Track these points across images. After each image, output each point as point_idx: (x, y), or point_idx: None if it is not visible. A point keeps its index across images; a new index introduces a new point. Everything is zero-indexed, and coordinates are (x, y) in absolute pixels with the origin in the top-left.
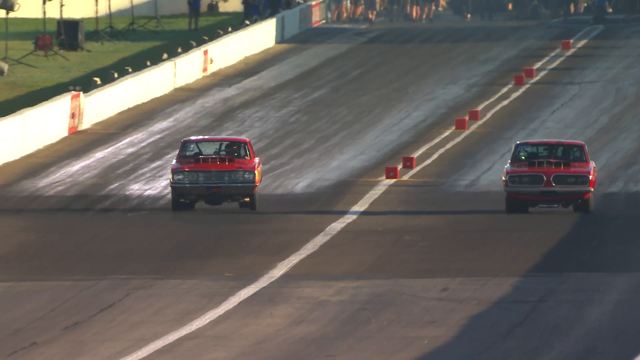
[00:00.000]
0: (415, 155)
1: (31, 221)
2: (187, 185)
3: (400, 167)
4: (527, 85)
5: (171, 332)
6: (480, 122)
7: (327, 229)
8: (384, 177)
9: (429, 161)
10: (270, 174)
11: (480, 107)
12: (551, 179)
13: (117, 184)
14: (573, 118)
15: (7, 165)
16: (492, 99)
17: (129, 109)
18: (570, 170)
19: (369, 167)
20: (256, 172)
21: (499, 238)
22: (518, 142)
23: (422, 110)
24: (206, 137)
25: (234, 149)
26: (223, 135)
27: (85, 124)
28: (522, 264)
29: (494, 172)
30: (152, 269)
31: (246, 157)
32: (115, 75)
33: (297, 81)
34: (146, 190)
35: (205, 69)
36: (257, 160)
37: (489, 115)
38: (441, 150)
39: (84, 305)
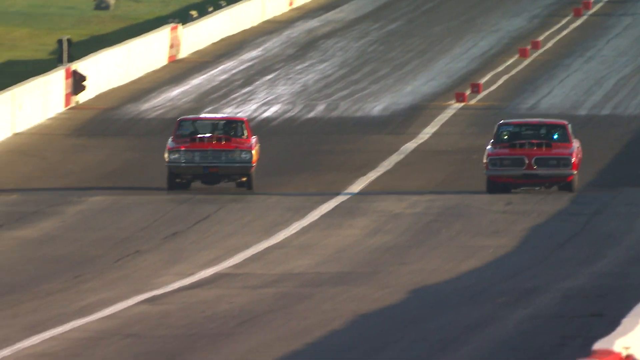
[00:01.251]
0: (482, 81)
1: (135, 141)
2: (183, 164)
3: (468, 92)
4: (585, 17)
5: (260, 242)
6: (541, 50)
7: (401, 148)
8: (454, 101)
9: (494, 87)
10: (350, 98)
11: (541, 37)
12: (533, 161)
13: (211, 107)
14: (626, 46)
15: (114, 90)
16: (552, 30)
17: (222, 40)
18: (552, 152)
19: (440, 92)
20: (253, 151)
21: None
22: (500, 122)
23: (488, 40)
24: (203, 116)
25: (231, 128)
26: (220, 115)
27: (183, 53)
28: (579, 180)
29: (553, 96)
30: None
31: (243, 136)
32: (210, 9)
33: (375, 14)
34: (237, 113)
35: (291, 3)
36: (254, 139)
37: (549, 44)
38: (505, 77)
39: (182, 217)
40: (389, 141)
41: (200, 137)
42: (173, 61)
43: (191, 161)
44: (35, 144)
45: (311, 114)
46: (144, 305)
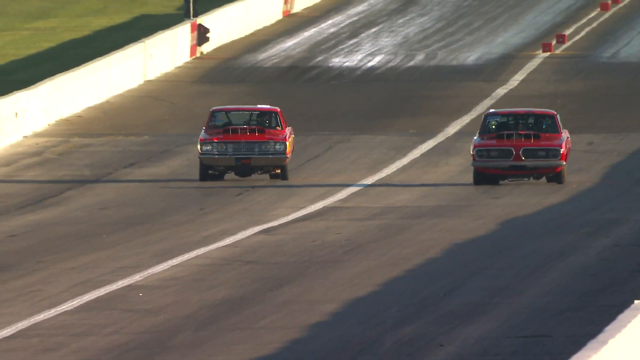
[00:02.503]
0: (567, 32)
1: (252, 88)
2: (216, 156)
3: (553, 42)
4: None
5: (365, 178)
6: (621, 4)
7: (492, 94)
8: (540, 51)
9: (577, 37)
10: (446, 48)
11: None
12: (520, 152)
13: (321, 57)
14: None
15: (233, 42)
16: None
17: None
18: (541, 144)
19: (528, 43)
20: (287, 142)
21: (637, 100)
22: (488, 112)
23: None
24: (236, 106)
25: (265, 119)
26: (254, 106)
27: (296, 8)
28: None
29: (631, 46)
30: (350, 127)
31: (277, 127)
32: None
33: None
34: (345, 62)
35: None
36: (288, 130)
37: None
38: (588, 28)
39: (294, 155)
40: (482, 87)
41: (232, 128)
42: (287, 15)
43: (224, 153)
44: (164, 90)
45: (411, 63)
46: (261, 235)
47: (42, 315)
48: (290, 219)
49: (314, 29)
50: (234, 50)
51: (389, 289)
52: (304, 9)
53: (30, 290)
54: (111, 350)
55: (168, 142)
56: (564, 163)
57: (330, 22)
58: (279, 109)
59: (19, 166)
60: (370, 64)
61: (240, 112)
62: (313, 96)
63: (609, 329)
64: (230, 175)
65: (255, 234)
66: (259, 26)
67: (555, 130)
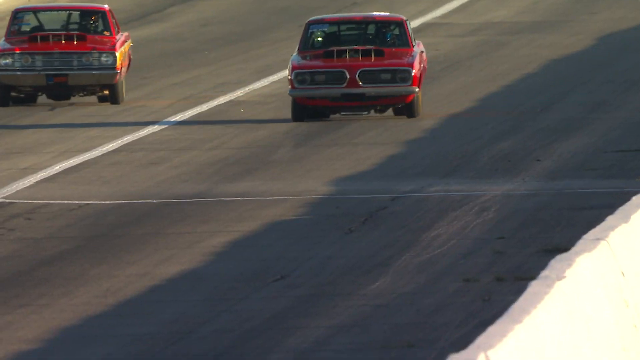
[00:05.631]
0: None
1: None
2: (19, 72)
3: None
4: None
5: None
6: None
7: None
8: None
9: None
10: None
11: None
12: (357, 75)
13: None
14: None
15: None
16: None
17: None
18: (385, 63)
19: None
20: (117, 53)
21: None
22: (310, 20)
23: None
24: (47, 4)
25: (89, 22)
26: (74, 4)
27: None
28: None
29: None
30: None
31: (105, 32)
32: None
33: None
34: None
35: None
36: (121, 36)
37: None
38: None
39: None
40: None
41: (42, 35)
42: None
43: (30, 68)
44: None
45: None
46: None
47: (146, 130)
48: None
49: None
50: None
51: (486, 105)
52: None
53: (135, 106)
54: (212, 165)
55: None
56: (417, 89)
57: None
58: (107, 8)
59: None
60: None
61: (53, 13)
62: None
63: None
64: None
65: None
66: None
67: (405, 43)
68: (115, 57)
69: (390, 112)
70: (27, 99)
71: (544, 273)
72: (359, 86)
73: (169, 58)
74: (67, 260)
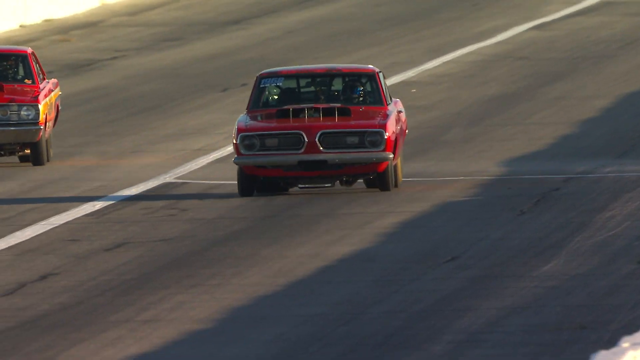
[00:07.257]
0: None
1: None
2: None
3: None
4: None
5: None
6: None
7: None
8: None
9: None
10: None
11: None
12: (317, 139)
13: None
14: None
15: None
16: None
17: None
18: (351, 124)
19: None
20: (41, 105)
21: None
22: (262, 73)
23: None
24: None
25: (7, 68)
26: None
27: None
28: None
29: None
30: None
31: (27, 80)
32: None
33: None
34: None
35: None
36: (46, 84)
37: None
38: None
39: None
40: None
41: None
42: None
43: None
44: None
45: None
46: (534, 31)
47: None
48: (563, 14)
49: None
50: None
51: None
52: None
53: None
54: None
55: None
56: (391, 155)
57: None
58: (30, 51)
59: None
60: None
61: None
62: None
63: None
64: None
65: (527, 29)
66: None
67: (377, 99)
68: (38, 109)
69: (361, 183)
70: None
71: None
72: (320, 151)
73: (341, 38)
74: (239, 241)
